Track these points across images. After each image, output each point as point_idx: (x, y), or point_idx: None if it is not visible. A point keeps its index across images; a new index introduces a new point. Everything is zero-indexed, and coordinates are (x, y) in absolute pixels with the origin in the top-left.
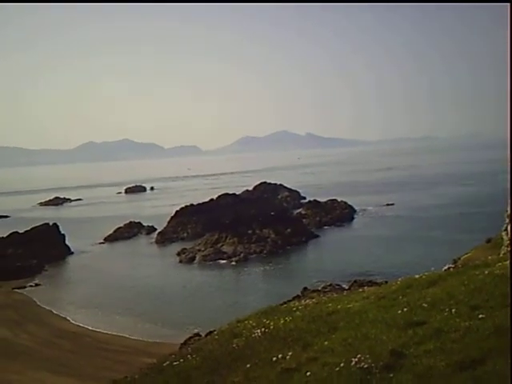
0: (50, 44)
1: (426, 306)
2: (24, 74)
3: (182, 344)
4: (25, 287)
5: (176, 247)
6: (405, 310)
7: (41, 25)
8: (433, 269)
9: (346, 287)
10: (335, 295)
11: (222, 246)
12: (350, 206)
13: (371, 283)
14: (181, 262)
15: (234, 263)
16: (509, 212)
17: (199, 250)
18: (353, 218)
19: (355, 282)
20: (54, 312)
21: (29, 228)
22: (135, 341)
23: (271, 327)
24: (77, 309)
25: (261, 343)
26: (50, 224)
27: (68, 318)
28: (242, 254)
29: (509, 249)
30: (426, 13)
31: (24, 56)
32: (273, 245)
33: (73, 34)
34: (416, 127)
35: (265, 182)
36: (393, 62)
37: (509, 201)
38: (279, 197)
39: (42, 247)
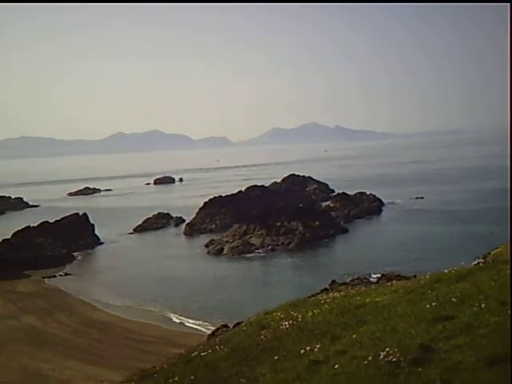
0: (80, 35)
1: (455, 300)
2: (54, 65)
3: (209, 335)
4: (55, 276)
5: (204, 238)
6: (434, 304)
7: (71, 18)
8: (462, 263)
9: (375, 281)
10: (363, 288)
11: (251, 237)
12: (378, 198)
13: (399, 277)
14: (209, 253)
15: (262, 255)
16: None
17: (227, 242)
18: (381, 211)
19: (383, 275)
20: (84, 301)
21: (59, 218)
22: (164, 331)
23: (299, 319)
24: (106, 298)
25: (289, 335)
26: (80, 214)
27: (97, 307)
28: (269, 246)
29: None
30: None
31: (54, 47)
32: (301, 237)
33: (102, 27)
34: (446, 120)
35: (293, 174)
36: (424, 55)
37: (509, 200)
38: (307, 189)
39: (72, 237)
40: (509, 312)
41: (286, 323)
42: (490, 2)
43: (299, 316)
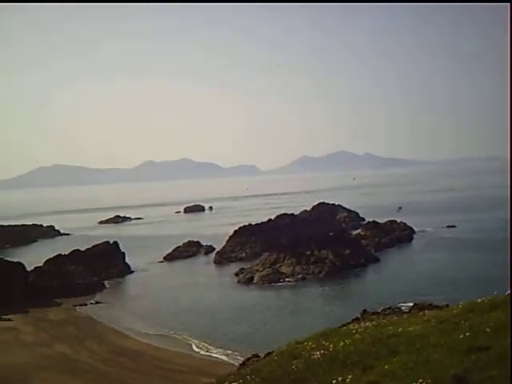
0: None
1: (488, 330)
2: (79, 91)
3: (240, 364)
4: (86, 304)
5: (234, 267)
6: (467, 334)
7: (99, 33)
8: (495, 292)
9: (406, 310)
10: (395, 318)
11: (281, 266)
12: (409, 227)
13: (432, 306)
14: (239, 281)
15: (292, 284)
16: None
17: (257, 271)
18: (412, 239)
19: (415, 304)
20: (115, 329)
21: (90, 246)
22: (194, 360)
23: (330, 349)
24: (137, 326)
25: (320, 365)
26: (111, 242)
27: (128, 335)
28: (300, 275)
29: None
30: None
31: (75, 69)
32: (331, 266)
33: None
34: (478, 147)
35: (323, 202)
36: (463, 78)
37: (509, 202)
38: (338, 217)
39: (103, 265)
40: None
41: (318, 353)
42: (489, 2)
43: (330, 346)
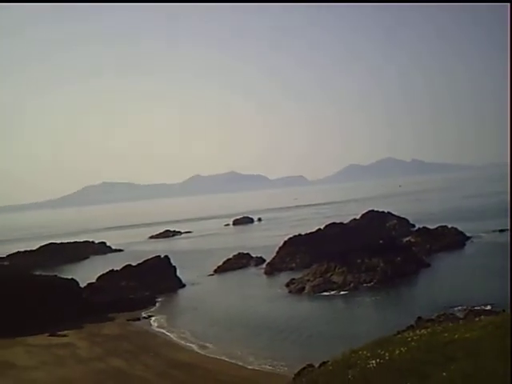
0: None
1: None
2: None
3: (295, 375)
4: (139, 319)
5: (285, 278)
6: None
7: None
8: None
9: (461, 316)
10: (450, 324)
11: (332, 275)
12: (460, 232)
13: (488, 312)
14: (290, 292)
15: (343, 293)
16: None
17: (308, 280)
18: (464, 245)
19: (470, 310)
20: (168, 343)
21: (141, 261)
22: (247, 371)
23: (386, 358)
24: (189, 339)
25: (376, 374)
26: (162, 256)
27: (181, 348)
28: (351, 284)
29: None
30: None
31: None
32: (383, 274)
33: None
34: None
35: (372, 210)
36: (498, 80)
37: (509, 202)
38: (387, 225)
39: (154, 279)
40: None
41: (373, 362)
42: (489, 1)
43: (386, 354)
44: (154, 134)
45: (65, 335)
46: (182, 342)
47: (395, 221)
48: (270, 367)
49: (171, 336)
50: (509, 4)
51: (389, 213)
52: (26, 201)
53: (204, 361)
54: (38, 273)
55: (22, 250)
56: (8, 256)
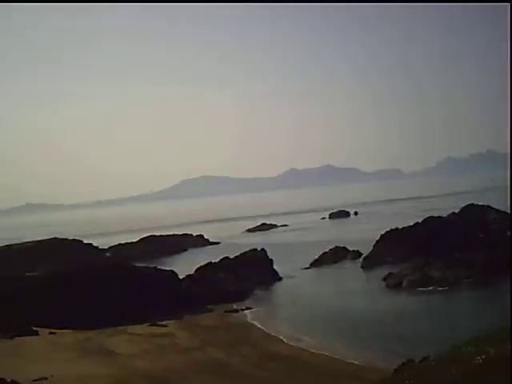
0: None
1: None
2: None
3: (395, 369)
4: (236, 311)
5: (382, 272)
6: None
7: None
8: None
9: None
10: None
11: (430, 270)
12: None
13: None
14: (387, 286)
15: (442, 288)
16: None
17: (406, 275)
18: None
19: None
20: (266, 335)
21: (238, 253)
22: (343, 364)
23: (491, 353)
24: (287, 332)
25: (482, 370)
26: (258, 249)
27: (279, 340)
28: (450, 279)
29: None
30: None
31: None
32: (482, 268)
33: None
34: None
35: (471, 204)
36: None
37: (509, 201)
38: (487, 219)
39: (251, 272)
40: None
41: (479, 358)
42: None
43: (492, 350)
44: (253, 129)
45: (165, 325)
46: (279, 335)
47: (495, 215)
48: (369, 361)
49: (268, 328)
50: (509, 4)
51: (488, 206)
52: (128, 194)
53: (302, 354)
54: (138, 264)
55: (123, 241)
56: (110, 248)
